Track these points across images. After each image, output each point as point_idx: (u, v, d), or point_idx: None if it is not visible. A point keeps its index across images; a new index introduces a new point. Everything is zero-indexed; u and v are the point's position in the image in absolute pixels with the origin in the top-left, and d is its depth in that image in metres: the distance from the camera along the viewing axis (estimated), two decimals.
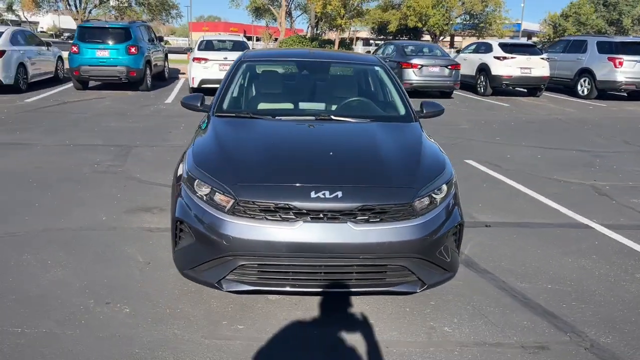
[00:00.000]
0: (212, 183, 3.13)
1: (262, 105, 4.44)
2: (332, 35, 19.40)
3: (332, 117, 4.04)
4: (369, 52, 18.92)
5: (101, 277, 3.66)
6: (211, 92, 5.37)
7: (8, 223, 4.60)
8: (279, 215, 2.98)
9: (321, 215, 2.97)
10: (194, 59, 13.65)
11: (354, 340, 3.04)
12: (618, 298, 3.65)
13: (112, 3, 37.12)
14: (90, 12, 39.12)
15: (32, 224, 4.59)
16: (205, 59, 13.45)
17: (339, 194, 3.01)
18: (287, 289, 3.09)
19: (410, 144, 3.65)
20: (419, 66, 14.53)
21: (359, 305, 3.39)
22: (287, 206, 2.97)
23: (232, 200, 3.02)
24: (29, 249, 4.08)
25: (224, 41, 15.80)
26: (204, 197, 3.12)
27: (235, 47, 14.74)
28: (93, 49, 13.70)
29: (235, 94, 4.44)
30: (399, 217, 3.05)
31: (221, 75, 11.21)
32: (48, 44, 15.60)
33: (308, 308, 3.34)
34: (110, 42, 13.90)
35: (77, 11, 37.64)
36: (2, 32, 13.30)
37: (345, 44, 18.21)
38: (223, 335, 3.03)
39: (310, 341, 3.03)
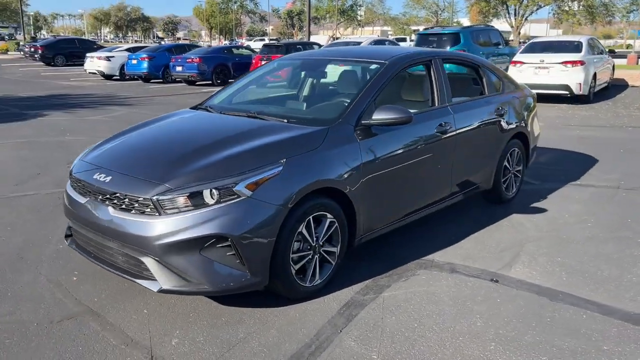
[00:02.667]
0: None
1: (225, 101, 4.61)
2: None
3: (256, 114, 3.95)
4: None
5: None
6: None
7: None
8: (80, 189, 3.42)
9: (95, 196, 3.26)
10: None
11: (107, 329, 3.10)
12: None
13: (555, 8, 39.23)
14: (526, 19, 41.42)
15: None
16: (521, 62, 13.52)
17: (108, 179, 3.21)
18: (93, 260, 3.40)
19: (244, 147, 3.31)
20: None
21: (181, 299, 3.38)
22: (80, 183, 3.40)
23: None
24: None
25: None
26: None
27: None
28: None
29: (231, 92, 4.74)
30: (145, 210, 3.03)
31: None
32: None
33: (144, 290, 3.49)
34: (442, 48, 14.18)
35: (515, 19, 40.48)
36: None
37: None
38: (61, 290, 3.54)
39: (75, 322, 3.17)
